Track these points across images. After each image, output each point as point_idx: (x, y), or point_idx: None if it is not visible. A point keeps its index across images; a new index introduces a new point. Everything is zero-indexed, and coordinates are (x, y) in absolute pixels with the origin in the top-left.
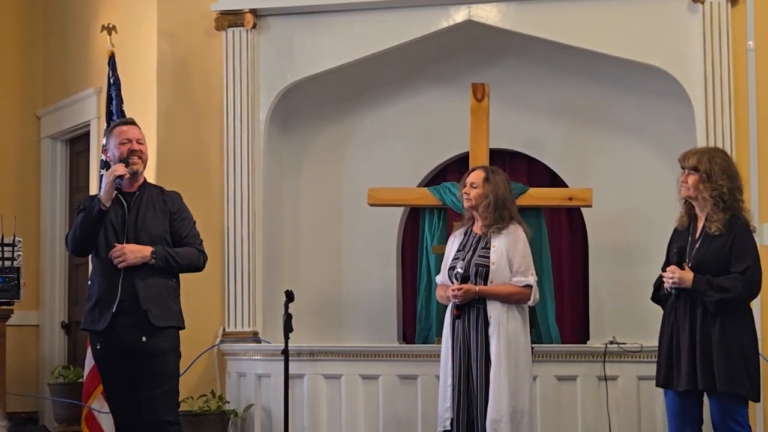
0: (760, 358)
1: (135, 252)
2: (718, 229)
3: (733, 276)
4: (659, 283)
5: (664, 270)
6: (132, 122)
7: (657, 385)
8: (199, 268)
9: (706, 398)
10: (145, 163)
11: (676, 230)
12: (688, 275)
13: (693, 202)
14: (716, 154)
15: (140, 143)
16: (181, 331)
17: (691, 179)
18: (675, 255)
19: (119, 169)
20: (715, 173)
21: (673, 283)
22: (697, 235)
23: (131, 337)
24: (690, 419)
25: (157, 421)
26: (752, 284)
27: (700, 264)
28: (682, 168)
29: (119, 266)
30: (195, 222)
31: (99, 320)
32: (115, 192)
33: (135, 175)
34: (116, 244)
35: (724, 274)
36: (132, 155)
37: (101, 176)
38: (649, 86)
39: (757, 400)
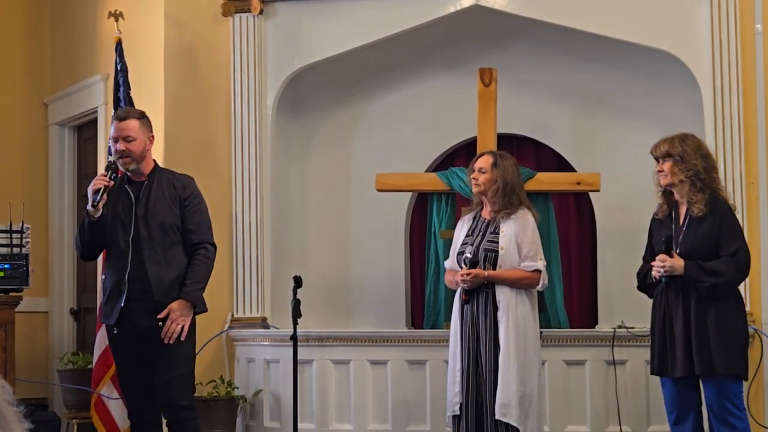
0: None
1: (184, 317)
2: (700, 210)
3: (724, 259)
4: (645, 272)
5: (645, 259)
6: (123, 117)
7: (652, 373)
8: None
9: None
10: (137, 157)
11: (654, 219)
12: (679, 262)
13: (672, 189)
14: (686, 136)
15: (128, 140)
16: None
17: (667, 165)
18: (663, 243)
19: (98, 182)
20: (688, 154)
21: (665, 271)
22: (681, 220)
23: (145, 322)
24: (690, 405)
25: (171, 405)
26: (743, 266)
27: (689, 250)
28: (656, 159)
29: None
30: (206, 208)
31: (111, 314)
32: (104, 197)
33: (137, 171)
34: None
35: (713, 259)
36: (121, 158)
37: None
38: (657, 70)
39: (747, 378)
